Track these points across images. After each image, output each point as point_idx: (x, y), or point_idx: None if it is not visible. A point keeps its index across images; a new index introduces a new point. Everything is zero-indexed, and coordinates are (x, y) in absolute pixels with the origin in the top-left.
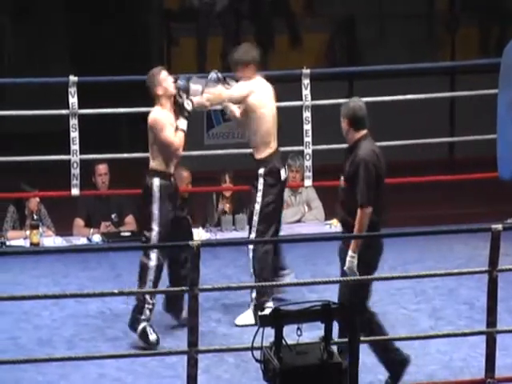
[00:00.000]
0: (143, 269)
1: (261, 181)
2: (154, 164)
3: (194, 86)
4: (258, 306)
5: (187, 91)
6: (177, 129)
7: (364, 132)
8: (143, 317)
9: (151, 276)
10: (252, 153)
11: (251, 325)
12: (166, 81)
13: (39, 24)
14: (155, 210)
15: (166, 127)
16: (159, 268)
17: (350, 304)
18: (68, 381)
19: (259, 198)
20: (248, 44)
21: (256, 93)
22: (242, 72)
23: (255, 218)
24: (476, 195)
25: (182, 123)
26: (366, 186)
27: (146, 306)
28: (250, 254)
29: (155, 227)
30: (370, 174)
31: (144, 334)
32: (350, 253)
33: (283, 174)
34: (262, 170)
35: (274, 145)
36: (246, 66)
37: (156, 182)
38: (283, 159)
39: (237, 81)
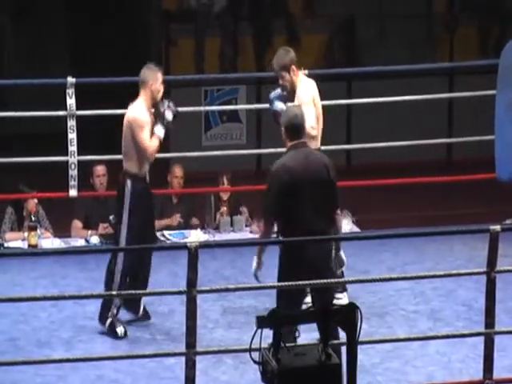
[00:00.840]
0: (111, 272)
1: None
2: (127, 165)
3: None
4: None
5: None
6: (153, 134)
7: (295, 142)
8: (110, 313)
9: (117, 280)
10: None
11: None
12: (160, 82)
13: (39, 24)
14: (125, 213)
15: (144, 129)
16: (125, 273)
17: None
18: (66, 382)
19: None
20: (282, 48)
21: (315, 92)
22: (293, 73)
23: None
24: (474, 196)
25: (160, 130)
26: (268, 198)
27: (113, 306)
28: None
29: (123, 231)
30: (271, 187)
31: (112, 327)
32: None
33: None
34: None
35: None
36: (294, 66)
37: (129, 184)
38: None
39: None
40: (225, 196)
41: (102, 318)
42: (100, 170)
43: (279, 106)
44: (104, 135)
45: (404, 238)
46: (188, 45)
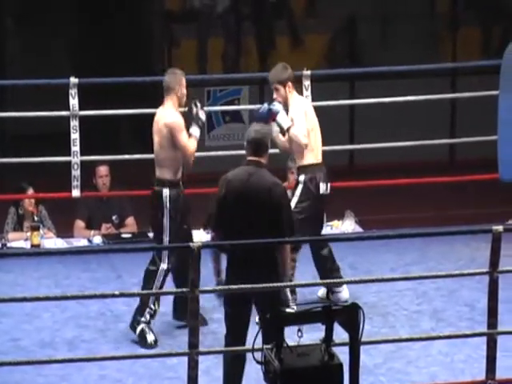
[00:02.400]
0: (152, 273)
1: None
2: (162, 173)
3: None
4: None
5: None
6: (190, 136)
7: (249, 158)
8: (143, 319)
9: (158, 282)
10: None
11: None
12: (184, 86)
13: (41, 26)
14: (165, 221)
15: (184, 131)
16: (167, 273)
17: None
18: (69, 382)
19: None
20: (282, 64)
21: (308, 108)
22: (288, 89)
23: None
24: (477, 197)
25: (196, 131)
26: (212, 208)
27: (148, 310)
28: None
29: (165, 238)
30: (215, 197)
31: (142, 335)
32: None
33: (323, 187)
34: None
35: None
36: (291, 83)
37: (166, 192)
38: (285, 160)
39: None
40: None
41: (134, 323)
42: (103, 170)
43: (277, 106)
44: (107, 136)
45: (407, 239)
46: (191, 45)
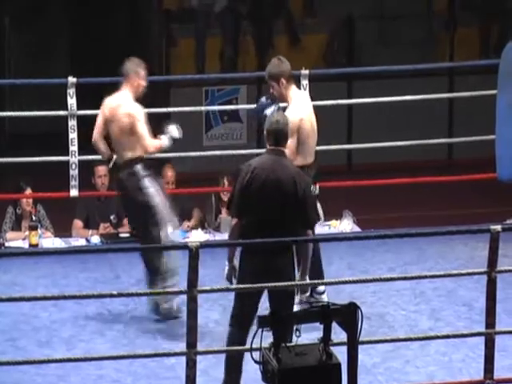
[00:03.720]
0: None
1: None
2: (129, 154)
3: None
4: None
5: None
6: (155, 137)
7: (271, 147)
8: (162, 309)
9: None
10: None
11: None
12: (142, 78)
13: (39, 24)
14: (149, 187)
15: (144, 123)
16: None
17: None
18: (67, 382)
19: None
20: (277, 57)
21: (306, 112)
22: (282, 85)
23: None
24: (475, 196)
25: (165, 141)
26: (233, 197)
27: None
28: None
29: (156, 201)
30: (235, 185)
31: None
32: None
33: None
34: None
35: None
36: (284, 78)
37: (139, 166)
38: None
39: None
40: (225, 197)
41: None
42: (101, 170)
43: (268, 102)
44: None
45: (405, 238)
46: (188, 44)
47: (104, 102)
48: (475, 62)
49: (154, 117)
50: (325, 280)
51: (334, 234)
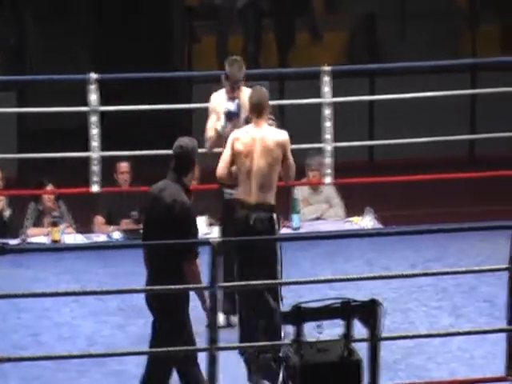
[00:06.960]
0: None
1: None
2: (269, 197)
3: None
4: None
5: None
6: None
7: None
8: None
9: None
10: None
11: None
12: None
13: (62, 22)
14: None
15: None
16: None
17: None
18: (88, 377)
19: None
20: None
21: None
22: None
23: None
24: (496, 193)
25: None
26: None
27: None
28: None
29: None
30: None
31: None
32: None
33: None
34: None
35: None
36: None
37: (277, 219)
38: (303, 157)
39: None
40: None
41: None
42: (124, 166)
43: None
44: (128, 131)
45: (426, 235)
46: (211, 42)
47: None
48: (497, 59)
49: (176, 112)
50: (346, 276)
51: (355, 230)
